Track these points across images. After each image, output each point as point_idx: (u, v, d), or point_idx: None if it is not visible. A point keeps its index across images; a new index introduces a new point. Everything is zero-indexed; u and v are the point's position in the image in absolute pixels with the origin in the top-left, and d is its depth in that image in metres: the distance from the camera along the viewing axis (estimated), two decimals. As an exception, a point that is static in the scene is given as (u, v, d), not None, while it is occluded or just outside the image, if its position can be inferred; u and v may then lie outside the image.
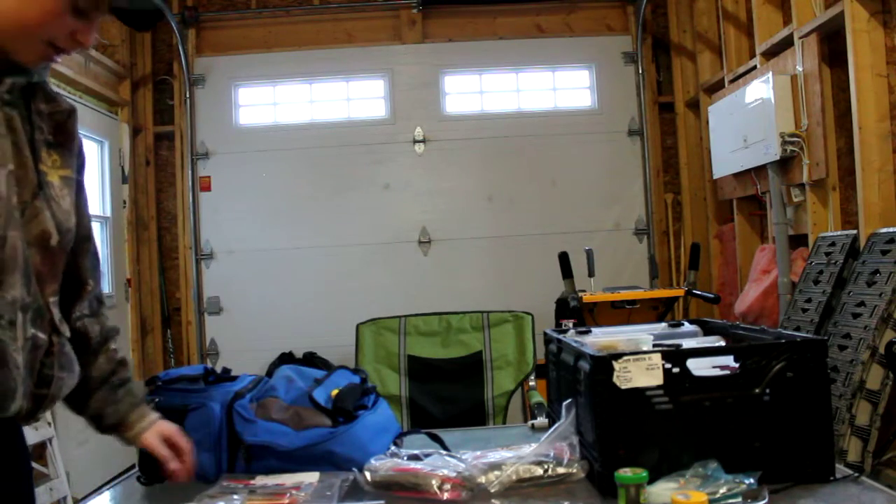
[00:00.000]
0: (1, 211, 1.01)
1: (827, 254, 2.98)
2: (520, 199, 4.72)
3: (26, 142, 1.06)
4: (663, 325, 1.71)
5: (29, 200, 1.05)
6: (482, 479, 1.25)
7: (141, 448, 1.33)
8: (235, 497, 1.22)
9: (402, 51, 4.78)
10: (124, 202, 4.48)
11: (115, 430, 1.31)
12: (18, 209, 1.03)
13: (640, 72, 4.74)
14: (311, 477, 1.32)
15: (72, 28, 1.05)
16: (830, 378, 2.37)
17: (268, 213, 4.66)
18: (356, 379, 1.61)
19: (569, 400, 1.35)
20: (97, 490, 1.49)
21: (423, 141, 4.73)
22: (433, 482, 1.23)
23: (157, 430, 1.32)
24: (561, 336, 1.56)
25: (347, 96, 4.84)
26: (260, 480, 1.33)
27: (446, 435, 1.54)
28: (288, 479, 1.32)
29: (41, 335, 1.07)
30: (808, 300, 2.97)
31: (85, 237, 1.21)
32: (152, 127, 4.71)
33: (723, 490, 1.09)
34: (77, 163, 1.18)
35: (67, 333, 1.14)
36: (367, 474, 1.28)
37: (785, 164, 3.43)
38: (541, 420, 1.73)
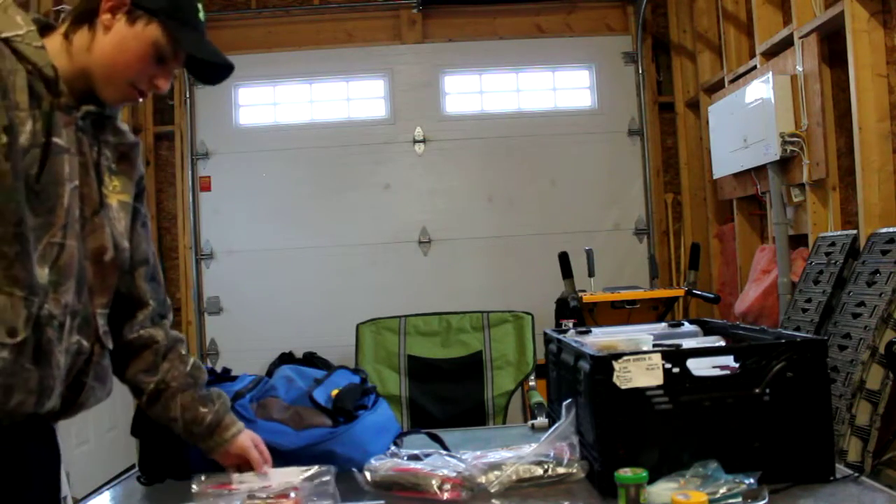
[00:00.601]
0: (64, 221, 1.10)
1: (827, 254, 2.98)
2: (520, 199, 4.72)
3: (92, 165, 1.16)
4: (663, 325, 1.71)
5: (90, 217, 1.15)
6: (482, 479, 1.25)
7: (230, 453, 1.32)
8: (235, 497, 1.22)
9: (402, 51, 4.78)
10: (124, 202, 4.48)
11: (209, 433, 1.31)
12: (79, 223, 1.13)
13: (640, 72, 4.74)
14: (292, 475, 1.31)
15: (152, 74, 1.18)
16: (830, 378, 2.37)
17: (268, 213, 4.66)
18: (356, 379, 1.61)
19: (569, 400, 1.35)
20: (97, 490, 1.49)
21: (423, 141, 4.73)
22: (433, 482, 1.23)
23: (248, 434, 1.34)
24: (561, 336, 1.56)
25: (347, 96, 4.83)
26: (239, 482, 1.30)
27: (446, 435, 1.54)
28: (268, 481, 1.30)
29: (85, 343, 1.14)
30: (808, 300, 2.97)
31: (143, 260, 1.29)
32: (152, 127, 4.71)
33: (723, 490, 1.09)
34: (135, 191, 1.28)
35: (110, 346, 1.20)
36: (367, 474, 1.28)
37: (785, 164, 3.43)
38: (541, 420, 1.73)
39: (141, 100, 1.21)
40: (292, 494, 1.22)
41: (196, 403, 1.31)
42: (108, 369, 1.23)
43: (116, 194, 1.22)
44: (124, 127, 1.29)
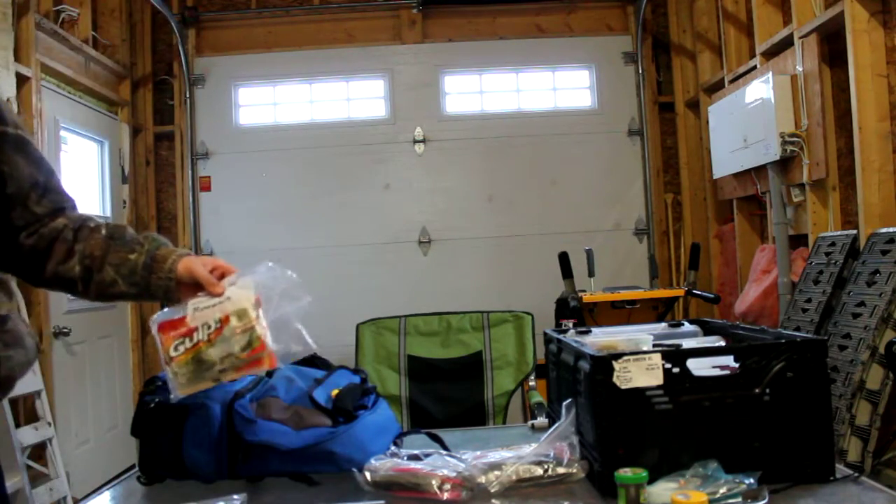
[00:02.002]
0: None
1: (827, 254, 2.98)
2: (520, 199, 4.72)
3: None
4: (663, 325, 1.71)
5: None
6: (482, 479, 1.25)
7: (184, 282, 1.19)
8: (235, 497, 1.22)
9: (402, 51, 4.78)
10: (124, 202, 4.48)
11: (149, 273, 1.19)
12: None
13: (640, 72, 4.74)
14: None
15: None
16: (830, 378, 2.38)
17: (268, 213, 4.66)
18: (356, 379, 1.61)
19: (569, 400, 1.35)
20: (97, 490, 1.48)
21: (423, 141, 4.73)
22: (433, 482, 1.23)
23: (195, 258, 1.23)
24: (561, 336, 1.56)
25: (347, 96, 4.84)
26: (193, 309, 1.19)
27: (446, 435, 1.54)
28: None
29: None
30: (808, 300, 2.97)
31: (30, 186, 1.17)
32: (152, 127, 4.71)
33: (723, 490, 1.09)
34: None
35: (4, 311, 1.09)
36: (367, 474, 1.28)
37: (785, 164, 3.43)
38: (541, 420, 1.73)
39: None
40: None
41: (123, 254, 1.19)
42: (18, 330, 1.12)
43: None
44: None
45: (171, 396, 1.18)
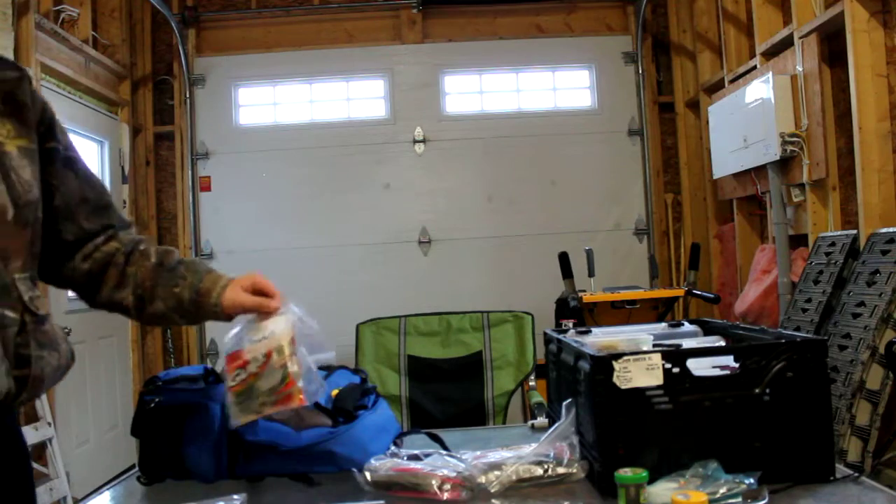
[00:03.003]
0: None
1: (827, 254, 2.98)
2: (520, 199, 4.72)
3: None
4: (663, 325, 1.71)
5: None
6: (482, 479, 1.25)
7: (233, 312, 1.24)
8: (235, 497, 1.22)
9: (402, 51, 4.78)
10: (124, 202, 4.48)
11: (197, 307, 1.23)
12: None
13: (640, 72, 4.74)
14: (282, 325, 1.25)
15: None
16: (830, 378, 2.38)
17: (268, 213, 4.66)
18: (356, 379, 1.61)
19: (569, 400, 1.35)
20: (97, 490, 1.48)
21: (423, 141, 4.73)
22: (433, 482, 1.23)
23: (237, 285, 1.25)
24: (561, 336, 1.56)
25: (347, 96, 4.84)
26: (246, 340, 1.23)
27: (446, 435, 1.54)
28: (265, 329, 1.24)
29: (10, 314, 1.03)
30: (808, 300, 2.97)
31: (79, 201, 1.20)
32: (152, 127, 4.72)
33: (723, 490, 1.09)
34: (42, 129, 1.15)
35: (43, 311, 1.10)
36: (367, 474, 1.28)
37: (785, 164, 3.43)
38: (541, 420, 1.73)
39: None
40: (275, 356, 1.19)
41: (170, 287, 1.23)
42: (54, 333, 1.12)
43: (12, 140, 1.08)
44: (4, 59, 1.13)
45: (231, 423, 1.23)
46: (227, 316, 1.25)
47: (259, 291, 1.26)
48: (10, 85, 1.10)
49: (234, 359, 1.22)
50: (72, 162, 1.20)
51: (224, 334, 1.26)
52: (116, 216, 1.27)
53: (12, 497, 1.12)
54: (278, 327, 1.23)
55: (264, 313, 1.25)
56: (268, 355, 1.21)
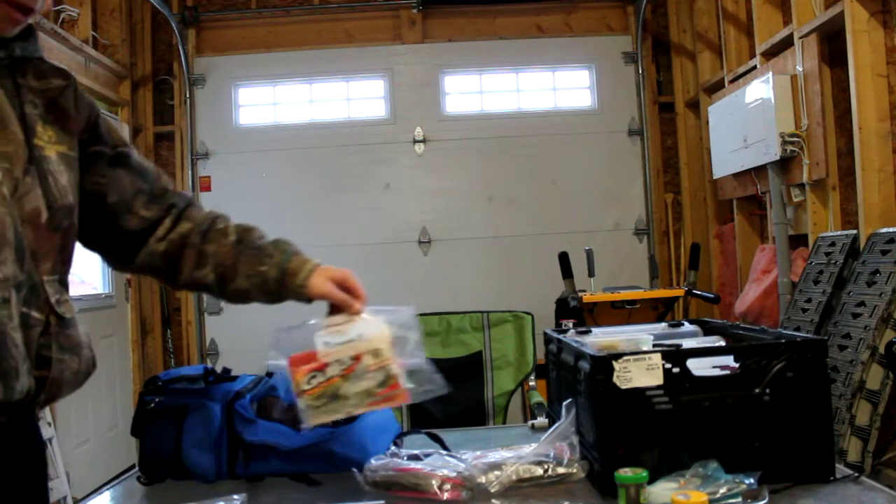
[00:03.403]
0: None
1: (827, 254, 2.98)
2: (520, 199, 4.72)
3: (16, 117, 1.05)
4: (663, 325, 1.71)
5: (21, 177, 1.03)
6: (482, 479, 1.25)
7: (308, 298, 1.24)
8: (235, 497, 1.22)
9: (402, 51, 4.78)
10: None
11: (281, 287, 1.25)
12: (10, 185, 1.02)
13: (640, 72, 4.74)
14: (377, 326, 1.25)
15: None
16: (830, 378, 2.37)
17: (268, 213, 4.64)
18: (356, 379, 1.60)
19: (569, 400, 1.35)
20: (97, 490, 1.48)
21: (423, 141, 4.73)
22: (433, 482, 1.23)
23: (325, 273, 1.26)
24: (561, 336, 1.56)
25: (347, 96, 4.84)
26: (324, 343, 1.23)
27: (446, 435, 1.54)
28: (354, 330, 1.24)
29: (35, 314, 1.04)
30: (808, 300, 2.97)
31: (134, 194, 1.21)
32: (152, 127, 4.72)
33: (723, 490, 1.09)
34: (87, 137, 1.17)
35: (69, 315, 1.10)
36: (367, 474, 1.28)
37: (785, 164, 3.43)
38: (541, 420, 1.73)
39: (28, 19, 1.06)
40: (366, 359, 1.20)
41: (255, 265, 1.24)
42: (78, 338, 1.12)
43: (53, 145, 1.09)
44: (53, 67, 1.15)
45: (303, 426, 1.22)
46: (309, 299, 1.26)
47: (347, 289, 1.26)
48: (55, 92, 1.13)
49: (304, 361, 1.22)
50: (121, 159, 1.22)
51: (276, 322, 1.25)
52: (176, 196, 1.28)
53: (28, 498, 1.12)
54: (371, 330, 1.24)
55: (337, 314, 1.25)
56: (357, 358, 1.21)
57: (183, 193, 1.30)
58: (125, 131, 4.47)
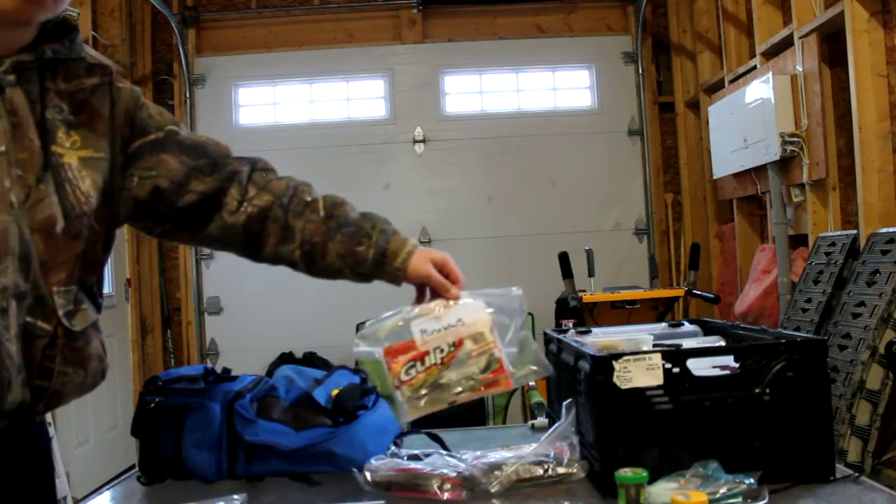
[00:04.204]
0: None
1: (827, 254, 2.98)
2: (520, 199, 4.72)
3: (34, 123, 1.02)
4: (663, 325, 1.71)
5: (34, 185, 1.00)
6: (482, 479, 1.25)
7: (412, 281, 1.21)
8: (235, 497, 1.22)
9: (402, 51, 4.78)
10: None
11: (378, 268, 1.21)
12: (22, 192, 0.99)
13: (640, 72, 4.74)
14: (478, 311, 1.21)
15: None
16: (830, 378, 2.37)
17: (268, 213, 4.65)
18: (356, 379, 1.61)
19: (569, 400, 1.35)
20: (97, 490, 1.48)
21: (423, 141, 4.73)
22: (433, 482, 1.23)
23: (425, 255, 1.23)
24: (561, 336, 1.56)
25: (347, 96, 4.84)
26: (421, 331, 1.19)
27: (446, 435, 1.54)
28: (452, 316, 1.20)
29: (42, 324, 1.01)
30: (808, 300, 2.97)
31: (190, 172, 1.18)
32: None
33: (723, 490, 1.09)
34: (127, 133, 1.14)
35: (79, 328, 1.07)
36: (367, 474, 1.28)
37: (785, 164, 3.43)
38: (541, 420, 1.73)
39: (42, 13, 1.01)
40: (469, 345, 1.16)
41: (351, 245, 1.20)
42: (85, 351, 1.09)
43: (76, 151, 1.06)
44: (88, 65, 1.11)
45: (402, 422, 1.20)
46: (402, 282, 1.23)
47: (444, 273, 1.22)
48: (86, 93, 1.09)
49: (401, 351, 1.18)
50: (166, 142, 1.18)
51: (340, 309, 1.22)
52: (236, 161, 1.25)
53: (32, 500, 1.11)
54: (470, 315, 1.19)
55: (431, 300, 1.22)
56: (457, 344, 1.17)
57: (248, 158, 1.26)
58: (125, 131, 4.47)
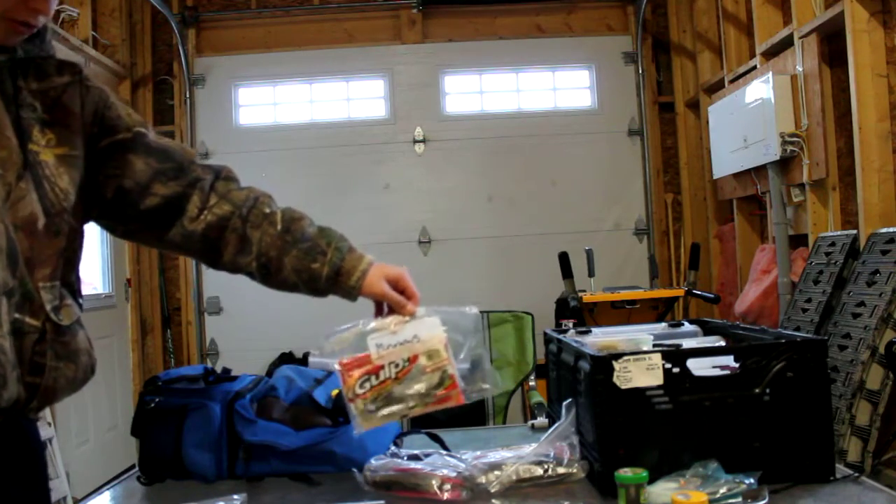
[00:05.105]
0: None
1: (827, 254, 2.98)
2: (520, 199, 4.72)
3: (10, 122, 1.03)
4: (663, 325, 1.71)
5: (14, 183, 1.02)
6: (482, 479, 1.25)
7: (359, 296, 1.22)
8: (235, 497, 1.22)
9: (402, 51, 4.78)
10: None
11: (333, 285, 1.21)
12: (3, 191, 1.00)
13: (640, 72, 4.74)
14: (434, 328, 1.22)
15: None
16: (830, 378, 2.38)
17: (268, 213, 4.65)
18: (356, 379, 1.60)
19: (569, 400, 1.35)
20: (97, 490, 1.48)
21: (423, 141, 4.73)
22: (433, 482, 1.23)
23: (380, 271, 1.23)
24: (561, 336, 1.56)
25: (347, 96, 4.84)
26: (377, 345, 1.21)
27: (446, 435, 1.54)
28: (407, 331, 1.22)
29: (30, 320, 1.02)
30: (808, 300, 2.97)
31: (153, 175, 1.18)
32: (152, 127, 4.70)
33: (723, 490, 1.09)
34: (95, 131, 1.14)
35: (66, 322, 1.08)
36: (367, 474, 1.28)
37: (785, 164, 3.43)
38: (541, 420, 1.73)
39: (30, 31, 1.05)
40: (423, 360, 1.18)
41: (306, 261, 1.20)
42: (76, 345, 1.10)
43: (52, 149, 1.07)
44: (58, 63, 1.12)
45: (355, 432, 1.20)
46: (356, 298, 1.23)
47: (399, 289, 1.23)
48: (58, 91, 1.10)
49: (357, 365, 1.20)
50: (133, 143, 1.18)
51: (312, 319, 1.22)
52: (201, 168, 1.24)
53: (26, 500, 1.11)
54: (425, 331, 1.21)
55: (388, 315, 1.23)
56: (412, 359, 1.20)
57: (211, 166, 1.26)
58: (125, 131, 4.47)
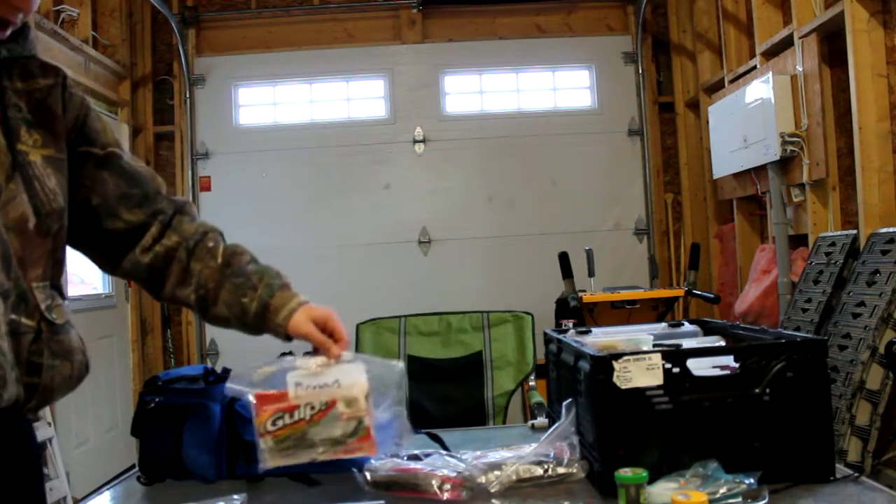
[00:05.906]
0: None
1: (827, 254, 2.98)
2: (520, 199, 4.72)
3: None
4: (663, 325, 1.71)
5: (4, 184, 1.02)
6: (482, 479, 1.25)
7: (287, 336, 1.20)
8: (235, 497, 1.22)
9: (402, 51, 4.78)
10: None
11: (261, 321, 1.20)
12: None
13: (640, 72, 4.74)
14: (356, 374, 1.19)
15: None
16: (830, 378, 2.38)
17: (268, 213, 4.66)
18: (356, 379, 1.60)
19: (569, 400, 1.35)
20: (97, 490, 1.48)
21: (423, 141, 4.73)
22: (433, 482, 1.23)
23: (307, 312, 1.20)
24: (561, 336, 1.56)
25: (347, 96, 4.84)
26: (296, 384, 1.18)
27: (446, 435, 1.54)
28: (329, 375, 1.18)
29: (26, 321, 1.03)
30: (808, 300, 2.97)
31: (119, 197, 1.18)
32: (152, 127, 4.71)
33: (723, 490, 1.09)
34: (74, 136, 1.14)
35: (60, 321, 1.09)
36: (367, 474, 1.28)
37: (785, 164, 3.43)
38: (541, 420, 1.73)
39: (7, 31, 1.05)
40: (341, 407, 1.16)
41: (237, 295, 1.19)
42: (70, 343, 1.11)
43: (39, 149, 1.07)
44: (42, 65, 1.13)
45: (260, 466, 1.17)
46: (287, 337, 1.22)
47: (328, 331, 1.21)
48: (42, 93, 1.10)
49: (272, 400, 1.17)
50: (108, 161, 1.18)
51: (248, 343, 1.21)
52: (165, 201, 1.24)
53: (23, 500, 1.12)
54: (347, 378, 1.18)
55: (317, 356, 1.21)
56: (330, 404, 1.17)
57: (174, 199, 1.26)
58: (125, 131, 4.47)
